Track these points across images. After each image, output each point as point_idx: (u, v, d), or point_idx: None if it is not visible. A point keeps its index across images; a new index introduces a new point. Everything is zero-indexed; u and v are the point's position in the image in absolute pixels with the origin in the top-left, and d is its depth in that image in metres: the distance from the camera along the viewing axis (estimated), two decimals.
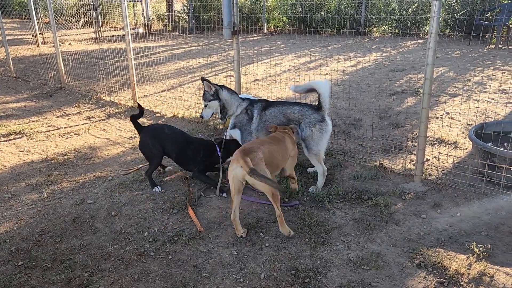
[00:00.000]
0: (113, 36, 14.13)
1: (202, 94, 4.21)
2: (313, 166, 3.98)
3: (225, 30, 4.77)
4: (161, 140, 4.01)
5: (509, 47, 10.51)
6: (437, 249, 3.01)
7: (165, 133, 4.07)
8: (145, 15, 16.21)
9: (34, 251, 3.12)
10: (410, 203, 3.62)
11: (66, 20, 14.74)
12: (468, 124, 5.33)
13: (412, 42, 12.12)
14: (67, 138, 5.51)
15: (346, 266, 2.87)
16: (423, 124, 3.76)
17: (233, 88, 4.63)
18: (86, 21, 14.22)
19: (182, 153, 4.01)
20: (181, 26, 16.34)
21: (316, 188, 3.84)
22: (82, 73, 8.71)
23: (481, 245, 2.97)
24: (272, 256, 2.99)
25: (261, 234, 3.24)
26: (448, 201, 3.62)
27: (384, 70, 8.59)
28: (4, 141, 5.43)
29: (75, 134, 5.64)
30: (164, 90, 7.70)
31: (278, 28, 15.75)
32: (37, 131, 5.74)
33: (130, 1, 15.81)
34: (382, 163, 4.27)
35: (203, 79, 4.08)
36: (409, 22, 12.74)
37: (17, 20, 20.23)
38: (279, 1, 16.14)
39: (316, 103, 3.88)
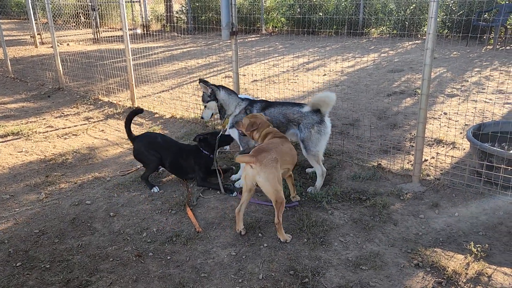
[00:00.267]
0: (111, 36, 14.13)
1: (201, 95, 4.23)
2: (312, 167, 3.99)
3: (223, 30, 4.77)
4: (157, 148, 4.05)
5: (507, 47, 10.54)
6: (435, 249, 3.02)
7: (159, 141, 4.10)
8: (144, 16, 16.20)
9: (32, 252, 3.12)
10: (408, 203, 3.62)
11: (64, 21, 14.72)
12: (466, 125, 5.35)
13: (410, 42, 12.15)
14: (65, 138, 5.51)
15: (345, 266, 2.88)
16: (421, 124, 3.77)
17: (231, 88, 4.63)
18: (85, 21, 14.20)
19: (175, 161, 4.06)
20: (180, 27, 16.34)
21: (315, 189, 3.84)
22: (80, 74, 8.69)
23: (479, 245, 2.99)
24: (270, 256, 2.99)
25: (260, 234, 3.25)
26: (446, 201, 3.63)
27: (382, 70, 8.61)
28: (2, 141, 5.42)
29: (73, 134, 5.63)
30: (163, 91, 7.69)
31: (277, 29, 15.76)
32: (35, 131, 5.73)
33: (128, 2, 15.80)
34: (380, 164, 4.28)
35: (200, 81, 4.10)
36: (407, 23, 12.76)
37: (15, 20, 20.20)
38: (277, 2, 16.16)
39: None
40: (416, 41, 12.31)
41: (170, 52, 11.94)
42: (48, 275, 2.86)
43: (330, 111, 3.88)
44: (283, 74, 8.64)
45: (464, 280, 2.71)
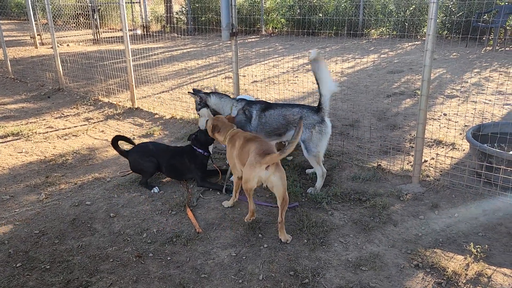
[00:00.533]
0: (111, 37, 14.13)
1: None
2: (312, 168, 3.99)
3: (223, 31, 4.78)
4: (151, 154, 4.05)
5: (506, 49, 10.56)
6: (435, 250, 3.03)
7: (151, 148, 4.10)
8: (144, 17, 16.22)
9: (32, 252, 3.12)
10: (408, 204, 3.63)
11: (64, 22, 14.73)
12: (465, 126, 5.36)
13: (409, 43, 12.16)
14: (65, 139, 5.51)
15: (345, 267, 2.88)
16: (420, 125, 3.78)
17: (231, 89, 4.65)
18: (85, 22, 14.21)
19: (171, 164, 4.06)
20: (180, 28, 16.35)
21: (315, 190, 3.85)
22: (80, 75, 8.70)
23: (478, 246, 2.99)
24: (270, 257, 2.99)
25: (260, 235, 3.25)
26: (445, 202, 3.63)
27: (382, 71, 8.62)
28: (2, 142, 5.42)
29: (73, 135, 5.64)
30: (163, 92, 7.70)
31: (276, 30, 15.77)
32: (35, 132, 5.73)
33: (128, 3, 15.81)
34: (380, 165, 4.28)
35: (189, 93, 4.23)
36: (406, 24, 12.78)
37: (15, 21, 20.22)
38: (277, 3, 16.17)
39: (316, 104, 3.90)
40: (416, 42, 12.33)
41: (170, 53, 11.95)
42: (48, 275, 2.86)
43: (330, 112, 3.88)
44: (283, 75, 8.65)
45: (464, 281, 2.71)
